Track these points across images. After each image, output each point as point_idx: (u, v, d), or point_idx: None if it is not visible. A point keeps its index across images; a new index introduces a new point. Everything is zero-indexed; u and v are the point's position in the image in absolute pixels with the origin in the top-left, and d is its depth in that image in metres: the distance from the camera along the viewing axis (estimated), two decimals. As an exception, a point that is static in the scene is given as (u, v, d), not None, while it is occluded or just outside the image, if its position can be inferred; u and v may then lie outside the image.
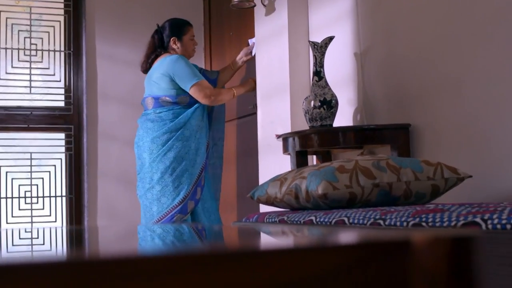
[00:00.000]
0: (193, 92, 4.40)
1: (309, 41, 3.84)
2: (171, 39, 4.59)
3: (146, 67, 4.62)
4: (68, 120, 5.74)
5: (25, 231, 1.67)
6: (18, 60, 5.70)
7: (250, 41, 4.83)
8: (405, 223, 1.78)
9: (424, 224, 1.73)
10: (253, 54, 4.78)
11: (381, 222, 1.88)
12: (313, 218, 2.21)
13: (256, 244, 0.81)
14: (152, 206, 4.38)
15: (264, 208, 4.22)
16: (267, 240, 0.95)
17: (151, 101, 4.49)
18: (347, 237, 0.75)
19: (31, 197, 5.64)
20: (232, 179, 5.29)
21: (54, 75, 5.77)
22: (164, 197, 4.34)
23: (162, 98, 4.44)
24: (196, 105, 4.45)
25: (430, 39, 3.39)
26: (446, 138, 3.27)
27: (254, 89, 4.76)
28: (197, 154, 4.44)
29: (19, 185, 5.62)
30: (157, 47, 4.59)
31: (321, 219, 2.16)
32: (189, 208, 4.36)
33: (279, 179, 2.65)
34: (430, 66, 3.38)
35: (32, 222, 5.60)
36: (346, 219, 2.04)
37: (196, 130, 4.44)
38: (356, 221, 1.98)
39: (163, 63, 4.46)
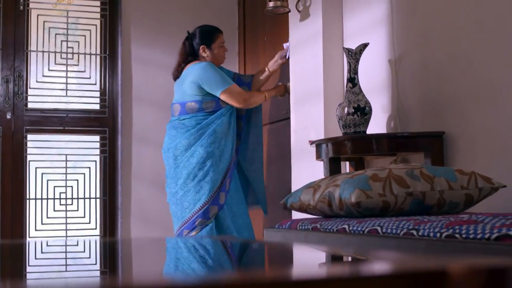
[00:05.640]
0: (225, 98, 4.46)
1: (343, 48, 3.85)
2: (201, 47, 4.63)
3: (177, 75, 4.66)
4: (103, 122, 5.80)
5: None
6: (55, 63, 5.77)
7: (285, 45, 4.84)
8: (438, 234, 1.78)
9: (457, 235, 1.73)
10: (287, 57, 4.80)
11: (414, 232, 1.88)
12: (346, 226, 2.22)
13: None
14: (177, 210, 4.46)
15: (295, 215, 4.22)
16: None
17: (178, 108, 4.55)
18: (382, 267, 0.76)
19: (66, 198, 5.70)
20: (263, 184, 5.30)
21: (89, 78, 5.84)
22: (186, 202, 4.41)
23: (188, 104, 4.49)
24: (220, 112, 4.48)
25: (465, 46, 3.37)
26: (481, 147, 3.25)
27: (283, 93, 4.79)
28: (221, 160, 4.46)
29: (54, 187, 5.69)
30: (188, 55, 4.63)
31: (354, 228, 2.16)
32: (212, 213, 4.40)
33: (313, 187, 2.66)
34: (465, 73, 3.36)
35: (66, 223, 5.66)
36: (379, 229, 2.04)
37: (221, 137, 4.47)
38: (389, 230, 1.99)
39: (192, 70, 4.50)
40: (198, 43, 4.65)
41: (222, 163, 4.48)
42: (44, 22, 5.75)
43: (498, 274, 0.57)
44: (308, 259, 1.14)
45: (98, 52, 5.87)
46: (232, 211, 4.55)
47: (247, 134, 4.77)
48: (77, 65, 5.85)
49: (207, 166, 4.41)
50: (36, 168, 5.64)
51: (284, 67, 4.87)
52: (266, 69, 4.89)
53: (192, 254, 1.51)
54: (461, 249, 1.63)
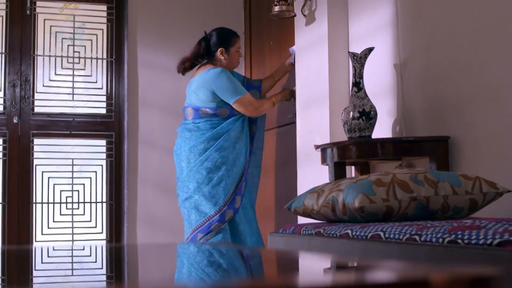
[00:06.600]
0: (237, 107, 4.46)
1: (348, 52, 3.84)
2: (219, 49, 4.60)
3: (182, 69, 4.66)
4: (109, 127, 5.81)
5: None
6: (61, 68, 5.79)
7: (291, 50, 4.83)
8: (440, 240, 1.77)
9: (459, 241, 1.72)
10: (293, 62, 4.79)
11: (417, 237, 1.87)
12: (349, 231, 2.22)
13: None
14: (190, 214, 4.42)
15: (302, 219, 4.22)
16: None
17: (191, 112, 4.53)
18: (364, 275, 0.76)
19: (72, 202, 5.71)
20: (270, 188, 5.30)
21: (96, 82, 5.85)
22: (202, 206, 4.37)
23: (202, 109, 4.48)
24: (235, 117, 4.48)
25: (470, 50, 3.36)
26: (486, 151, 3.24)
27: (288, 97, 4.78)
28: (235, 164, 4.46)
29: (61, 191, 5.70)
30: (202, 55, 4.61)
31: (357, 233, 2.16)
32: (227, 217, 4.38)
33: (316, 191, 2.65)
34: (470, 78, 3.36)
35: (72, 228, 5.67)
36: (382, 234, 2.04)
37: (235, 141, 4.47)
38: (392, 236, 1.98)
39: (206, 75, 4.48)
40: (216, 45, 4.62)
41: (236, 167, 4.47)
42: (50, 26, 5.77)
43: (481, 284, 0.57)
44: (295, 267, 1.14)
45: (105, 56, 5.88)
46: (248, 216, 4.54)
47: (253, 138, 4.76)
48: (84, 69, 5.86)
49: (222, 170, 4.39)
50: (42, 172, 5.65)
51: (290, 72, 4.87)
52: (273, 75, 4.89)
53: (198, 261, 1.50)
54: (463, 255, 1.62)
